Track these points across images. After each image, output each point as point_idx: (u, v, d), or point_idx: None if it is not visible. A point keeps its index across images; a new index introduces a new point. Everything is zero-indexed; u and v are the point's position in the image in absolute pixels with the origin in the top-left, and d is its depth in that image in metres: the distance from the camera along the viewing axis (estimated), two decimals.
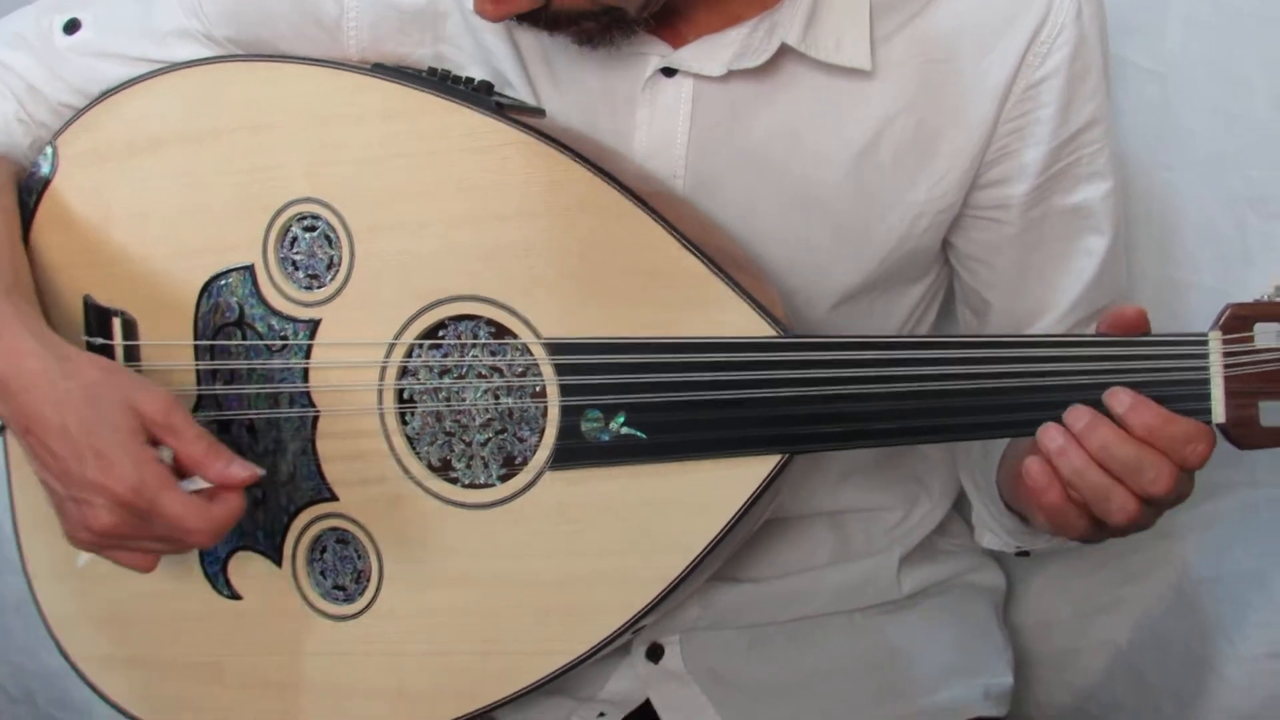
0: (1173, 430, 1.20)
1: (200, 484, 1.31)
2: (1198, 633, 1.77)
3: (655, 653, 1.54)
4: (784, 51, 1.37)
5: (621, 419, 1.31)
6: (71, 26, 1.51)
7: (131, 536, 1.31)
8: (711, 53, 1.38)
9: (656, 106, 1.41)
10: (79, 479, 1.29)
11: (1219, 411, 1.21)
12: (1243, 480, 1.70)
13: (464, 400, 1.37)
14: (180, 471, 1.32)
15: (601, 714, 1.53)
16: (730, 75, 1.39)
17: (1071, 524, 1.26)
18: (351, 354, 1.38)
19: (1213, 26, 1.71)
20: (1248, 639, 1.73)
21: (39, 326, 1.35)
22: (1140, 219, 1.71)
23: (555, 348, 1.32)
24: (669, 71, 1.40)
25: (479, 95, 1.35)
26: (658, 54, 1.39)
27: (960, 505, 1.74)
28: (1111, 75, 1.47)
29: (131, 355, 1.44)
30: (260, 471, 1.32)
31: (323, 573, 1.43)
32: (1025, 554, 1.64)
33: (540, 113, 1.40)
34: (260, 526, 1.43)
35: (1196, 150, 1.73)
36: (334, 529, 1.42)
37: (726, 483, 1.30)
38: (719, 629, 1.56)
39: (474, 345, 1.36)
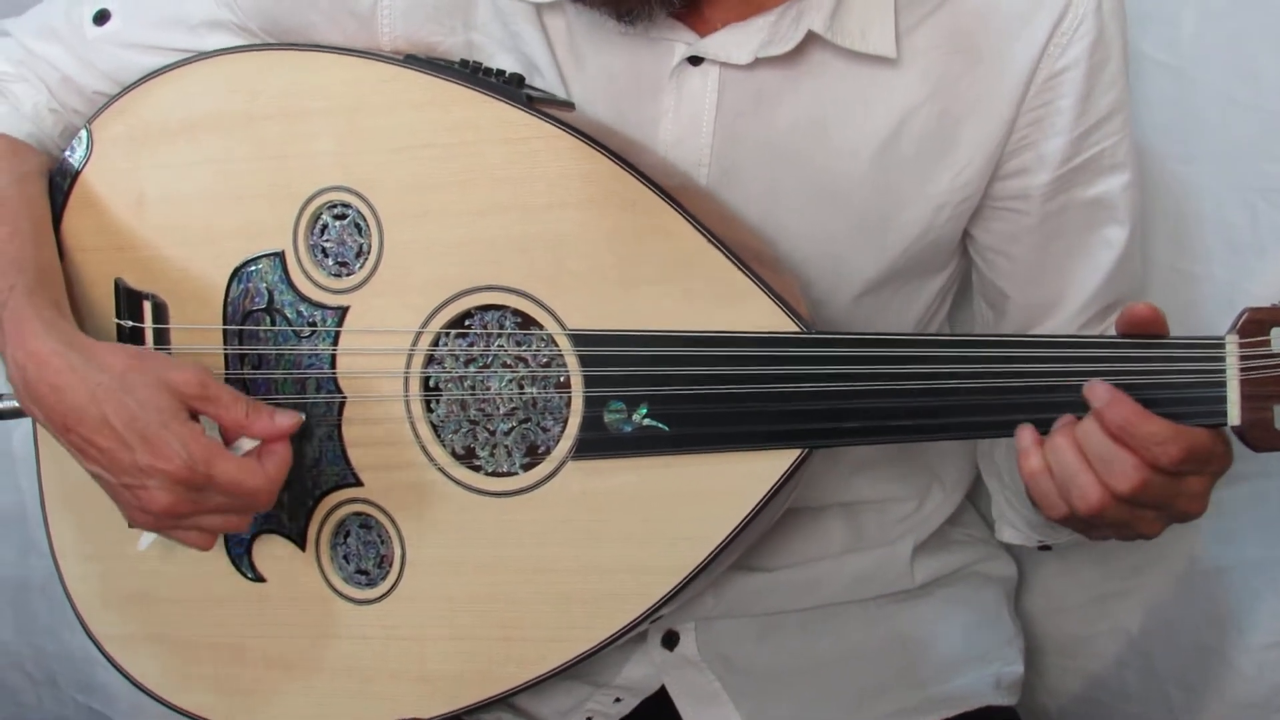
0: (1146, 428, 1.19)
1: (248, 445, 1.35)
2: (1207, 621, 1.77)
3: (670, 640, 1.56)
4: (810, 39, 1.38)
5: (644, 411, 1.32)
6: (101, 17, 1.51)
7: (190, 512, 1.33)
8: (738, 41, 1.39)
9: (683, 94, 1.41)
10: (129, 466, 1.30)
11: (1234, 414, 1.21)
12: (1255, 470, 1.69)
13: (489, 389, 1.38)
14: (227, 439, 1.35)
15: (618, 699, 1.54)
16: (757, 63, 1.39)
17: (1048, 495, 1.26)
18: (379, 341, 1.39)
19: (1226, 17, 1.70)
20: (1257, 628, 1.74)
21: (62, 326, 1.36)
22: (1153, 210, 1.70)
23: (580, 339, 1.33)
24: (695, 60, 1.40)
25: (509, 88, 1.35)
26: (684, 42, 1.40)
27: (973, 495, 1.75)
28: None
29: (161, 339, 1.45)
30: (301, 416, 1.36)
31: (346, 557, 1.44)
32: (1047, 548, 1.65)
33: (570, 105, 1.40)
34: (285, 510, 1.44)
35: (1209, 142, 1.72)
36: (358, 514, 1.43)
37: (746, 476, 1.31)
38: (733, 617, 1.57)
39: (500, 335, 1.37)
